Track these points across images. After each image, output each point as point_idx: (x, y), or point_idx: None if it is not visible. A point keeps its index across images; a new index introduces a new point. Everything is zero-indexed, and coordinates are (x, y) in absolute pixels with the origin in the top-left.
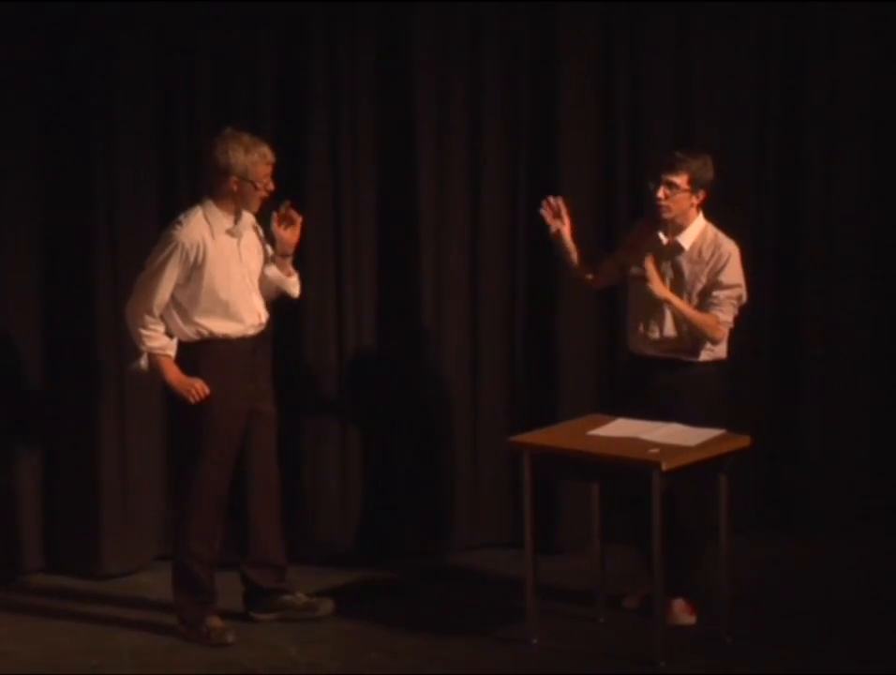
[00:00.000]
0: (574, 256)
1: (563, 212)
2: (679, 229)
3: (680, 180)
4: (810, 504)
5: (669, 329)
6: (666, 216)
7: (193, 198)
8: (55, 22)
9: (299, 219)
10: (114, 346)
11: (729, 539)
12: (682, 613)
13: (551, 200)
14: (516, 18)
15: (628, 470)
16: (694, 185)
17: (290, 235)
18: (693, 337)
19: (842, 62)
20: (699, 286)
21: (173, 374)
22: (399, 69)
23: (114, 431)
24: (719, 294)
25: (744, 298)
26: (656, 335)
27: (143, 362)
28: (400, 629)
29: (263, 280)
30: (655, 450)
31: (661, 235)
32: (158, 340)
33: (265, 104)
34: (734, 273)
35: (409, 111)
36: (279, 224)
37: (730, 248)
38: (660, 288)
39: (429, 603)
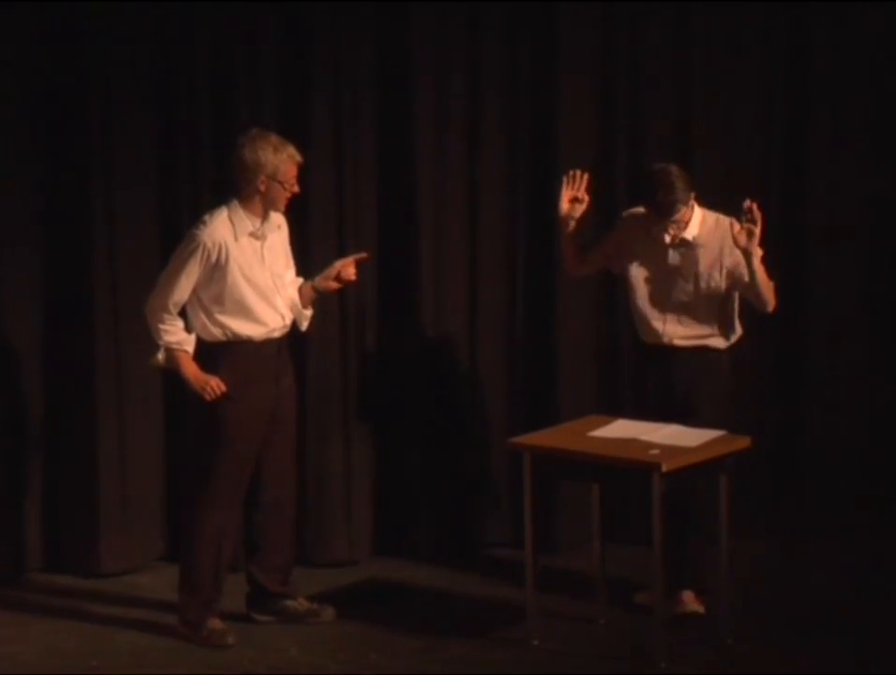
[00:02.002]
0: (572, 237)
1: (584, 190)
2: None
3: (679, 215)
4: (810, 506)
5: (696, 318)
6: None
7: (194, 197)
8: (54, 23)
9: (353, 280)
10: (114, 347)
11: (729, 540)
12: (691, 602)
13: (577, 175)
14: (516, 18)
15: (628, 471)
16: (687, 203)
17: (336, 286)
18: (714, 322)
19: (844, 59)
20: (716, 274)
21: (191, 370)
22: (399, 70)
23: (114, 431)
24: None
25: None
26: (681, 326)
27: (161, 356)
28: (400, 630)
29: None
30: (655, 451)
31: (664, 236)
32: (175, 335)
33: (265, 108)
34: None
35: (409, 110)
36: (340, 271)
37: (733, 222)
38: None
39: (429, 603)
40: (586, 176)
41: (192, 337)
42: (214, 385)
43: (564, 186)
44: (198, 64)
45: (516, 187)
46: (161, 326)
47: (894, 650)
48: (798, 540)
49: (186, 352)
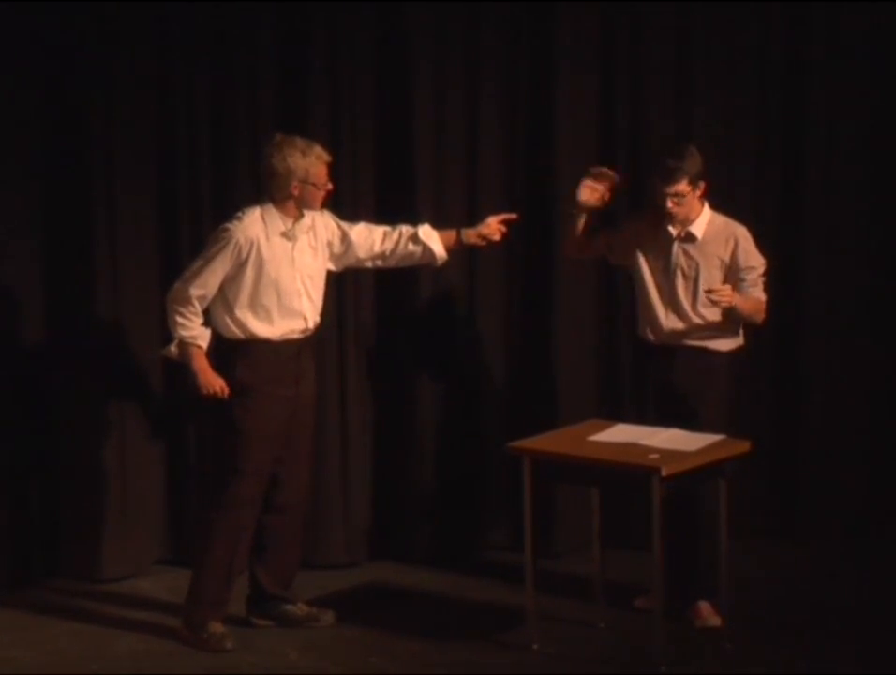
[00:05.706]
0: (578, 226)
1: (606, 188)
2: (688, 221)
3: (682, 187)
4: (810, 508)
5: (694, 317)
6: (680, 219)
7: (193, 192)
8: (54, 26)
9: (496, 239)
10: (115, 350)
11: (729, 543)
12: (710, 615)
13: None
14: (516, 17)
15: (628, 475)
16: (694, 182)
17: (482, 243)
18: (717, 323)
19: (842, 58)
20: (717, 273)
21: (201, 365)
22: (398, 69)
23: (115, 435)
24: (751, 277)
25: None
26: (680, 324)
27: (174, 348)
28: (400, 634)
29: (398, 248)
30: (655, 455)
31: (670, 228)
32: (190, 330)
33: (265, 107)
34: (753, 251)
35: (408, 111)
36: (488, 230)
37: (742, 231)
38: (737, 300)
39: (429, 607)
40: (612, 174)
41: (207, 333)
42: (219, 388)
43: (589, 176)
44: (197, 64)
45: (515, 186)
46: (179, 319)
47: (894, 650)
48: (798, 540)
49: (199, 346)
